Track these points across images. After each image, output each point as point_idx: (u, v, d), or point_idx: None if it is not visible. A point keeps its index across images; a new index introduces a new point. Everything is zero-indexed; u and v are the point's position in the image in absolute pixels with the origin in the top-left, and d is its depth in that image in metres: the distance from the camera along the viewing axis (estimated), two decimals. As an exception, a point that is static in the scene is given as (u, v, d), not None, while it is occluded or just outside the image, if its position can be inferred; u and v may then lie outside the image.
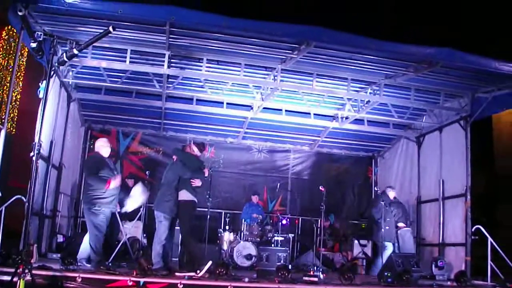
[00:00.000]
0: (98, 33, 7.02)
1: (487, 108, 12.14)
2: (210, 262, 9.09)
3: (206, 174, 10.09)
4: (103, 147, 9.44)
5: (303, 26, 9.60)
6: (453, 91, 12.39)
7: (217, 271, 8.84)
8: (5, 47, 22.67)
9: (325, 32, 9.58)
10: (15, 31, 20.72)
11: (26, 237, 6.54)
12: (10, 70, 22.09)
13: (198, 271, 8.91)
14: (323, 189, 12.10)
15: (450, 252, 12.51)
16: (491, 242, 10.88)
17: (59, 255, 9.83)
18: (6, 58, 22.71)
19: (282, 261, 10.93)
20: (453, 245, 12.42)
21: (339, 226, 14.68)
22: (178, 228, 10.45)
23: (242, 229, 13.21)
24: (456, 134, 12.76)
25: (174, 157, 10.18)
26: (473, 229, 11.61)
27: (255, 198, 14.36)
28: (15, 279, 6.03)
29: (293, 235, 13.77)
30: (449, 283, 10.47)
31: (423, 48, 10.06)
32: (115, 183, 9.11)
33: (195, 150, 10.12)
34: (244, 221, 13.30)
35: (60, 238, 12.01)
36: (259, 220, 13.26)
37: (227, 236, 12.90)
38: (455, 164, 12.71)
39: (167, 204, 9.47)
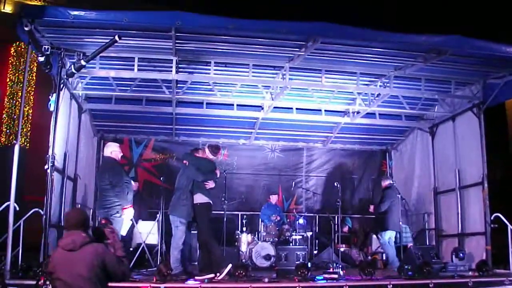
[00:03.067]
0: (104, 43, 7.03)
1: (499, 94, 11.98)
2: (230, 265, 9.10)
3: (218, 175, 10.08)
4: (115, 151, 9.41)
5: (308, 23, 9.59)
6: (464, 78, 12.30)
7: (237, 273, 8.84)
8: (14, 63, 22.89)
9: (331, 27, 9.55)
10: (23, 47, 20.91)
11: (46, 249, 6.55)
12: (21, 85, 22.30)
13: (218, 274, 8.92)
14: (338, 186, 12.08)
15: (470, 242, 12.39)
16: (511, 230, 10.80)
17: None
18: (16, 74, 22.93)
19: (301, 260, 10.90)
20: (473, 235, 12.28)
21: (358, 226, 14.62)
22: (195, 232, 10.47)
23: (260, 230, 13.22)
24: (469, 122, 12.64)
25: (185, 161, 10.19)
26: (492, 217, 11.52)
27: (273, 198, 14.32)
28: (36, 291, 6.06)
29: (311, 233, 13.73)
30: (470, 273, 10.38)
31: (431, 37, 9.96)
32: (135, 186, 9.19)
33: (207, 153, 10.12)
34: (262, 222, 13.30)
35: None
36: (276, 221, 13.25)
37: (245, 238, 12.90)
38: (470, 152, 12.59)
39: (183, 208, 9.50)
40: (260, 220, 13.59)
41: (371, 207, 13.46)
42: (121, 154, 9.68)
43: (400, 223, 12.39)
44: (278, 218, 13.46)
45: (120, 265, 5.38)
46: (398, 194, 12.62)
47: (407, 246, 12.23)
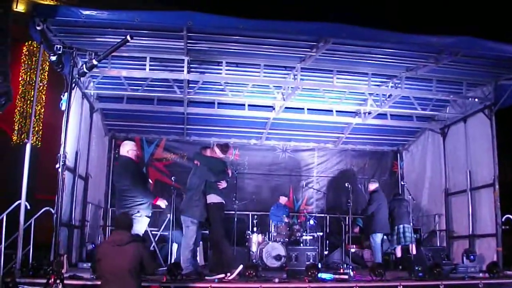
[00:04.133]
0: (116, 43, 7.06)
1: (511, 96, 11.92)
2: (241, 266, 9.11)
3: (230, 175, 10.06)
4: (132, 150, 9.38)
5: (320, 23, 9.60)
6: (475, 80, 12.25)
7: (247, 273, 8.85)
8: (26, 62, 23.01)
9: (343, 28, 9.57)
10: (35, 46, 21.03)
11: (56, 247, 6.58)
12: (33, 84, 22.41)
13: (228, 274, 8.93)
14: (349, 186, 12.07)
15: (481, 244, 12.32)
16: (522, 231, 10.77)
17: (89, 264, 9.91)
18: (29, 73, 23.05)
19: (311, 260, 10.88)
20: (484, 236, 12.22)
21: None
22: (206, 232, 10.49)
23: (270, 230, 13.22)
24: (481, 124, 12.58)
25: (196, 162, 10.17)
26: (503, 219, 11.47)
27: (282, 200, 14.30)
28: (47, 289, 6.11)
29: (321, 233, 13.70)
30: (481, 274, 10.33)
31: (443, 38, 9.95)
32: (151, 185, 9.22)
33: (217, 152, 10.11)
34: (272, 222, 13.31)
35: (90, 246, 12.08)
36: (286, 222, 13.26)
37: (256, 238, 12.90)
38: (481, 154, 12.53)
39: (196, 209, 9.47)
40: (270, 220, 13.58)
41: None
42: (137, 152, 9.67)
43: (402, 225, 12.40)
44: (289, 220, 13.50)
45: (152, 262, 6.73)
46: (403, 197, 12.72)
47: (409, 246, 12.22)
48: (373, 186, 13.14)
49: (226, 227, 11.04)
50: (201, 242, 9.98)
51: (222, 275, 8.96)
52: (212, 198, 9.66)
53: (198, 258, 10.27)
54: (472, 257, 11.28)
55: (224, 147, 10.27)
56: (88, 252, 11.89)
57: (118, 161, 9.40)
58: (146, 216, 9.10)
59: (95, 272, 6.63)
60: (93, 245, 12.08)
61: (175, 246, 11.04)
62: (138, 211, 8.82)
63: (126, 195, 8.93)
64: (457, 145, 13.71)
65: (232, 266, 9.22)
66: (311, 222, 13.47)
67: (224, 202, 9.88)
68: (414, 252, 12.02)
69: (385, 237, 12.65)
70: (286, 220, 13.46)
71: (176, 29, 9.59)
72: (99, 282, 7.37)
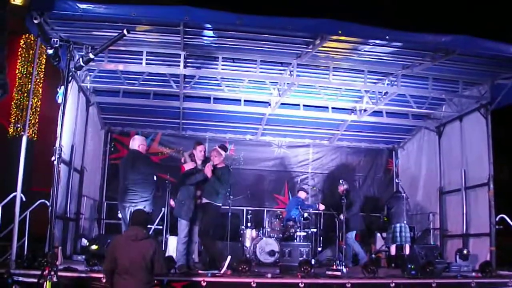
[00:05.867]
0: (113, 37, 7.07)
1: (508, 95, 11.91)
2: (229, 257, 9.14)
3: (209, 175, 9.64)
4: (142, 145, 9.34)
5: (316, 20, 9.59)
6: (472, 78, 12.26)
7: (240, 268, 8.89)
8: (23, 55, 22.97)
9: (339, 25, 9.56)
10: (32, 39, 21.01)
11: (51, 240, 6.61)
12: (30, 77, 22.37)
13: (220, 269, 8.98)
14: (345, 183, 12.10)
15: (475, 243, 12.38)
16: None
17: (84, 256, 9.95)
18: (25, 66, 23.01)
19: (304, 256, 10.92)
20: (478, 236, 12.27)
21: (366, 220, 14.61)
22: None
23: (264, 226, 13.25)
24: (477, 123, 12.60)
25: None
26: (497, 219, 11.51)
27: (302, 194, 14.32)
28: (41, 281, 6.14)
29: (315, 230, 13.75)
30: (473, 274, 10.39)
31: (439, 36, 9.94)
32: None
33: (222, 154, 10.02)
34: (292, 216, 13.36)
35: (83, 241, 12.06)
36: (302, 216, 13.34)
37: (250, 233, 12.96)
38: (477, 153, 12.57)
39: (180, 208, 9.45)
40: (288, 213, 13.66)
41: (321, 206, 14.07)
42: (146, 147, 9.65)
43: (398, 224, 12.50)
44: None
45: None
46: (402, 195, 12.79)
47: (403, 245, 12.28)
48: (340, 187, 13.06)
49: (220, 222, 11.10)
50: (197, 239, 9.94)
51: (216, 271, 9.00)
52: (213, 200, 9.65)
53: (194, 254, 10.27)
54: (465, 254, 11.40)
55: (225, 147, 10.30)
56: (82, 245, 11.90)
57: (128, 155, 9.33)
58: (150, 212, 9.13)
59: (105, 266, 6.55)
60: (86, 239, 12.04)
61: (171, 239, 11.03)
62: (145, 207, 8.78)
63: (132, 189, 8.84)
64: (453, 144, 13.75)
65: (220, 260, 9.25)
66: (306, 218, 13.51)
67: (220, 205, 9.89)
68: (408, 252, 12.09)
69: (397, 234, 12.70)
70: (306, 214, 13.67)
71: (173, 24, 9.60)
72: (93, 274, 7.51)
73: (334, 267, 10.23)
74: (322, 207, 13.89)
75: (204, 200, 9.64)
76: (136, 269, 6.33)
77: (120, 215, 9.26)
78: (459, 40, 9.98)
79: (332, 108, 13.90)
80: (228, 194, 11.93)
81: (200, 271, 9.03)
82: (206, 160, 9.74)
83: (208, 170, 9.40)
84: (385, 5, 23.87)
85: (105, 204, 14.46)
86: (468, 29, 10.63)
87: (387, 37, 9.86)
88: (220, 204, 9.90)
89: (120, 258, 6.38)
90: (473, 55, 10.68)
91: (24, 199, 8.70)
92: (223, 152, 10.05)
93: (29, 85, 22.02)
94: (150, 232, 11.63)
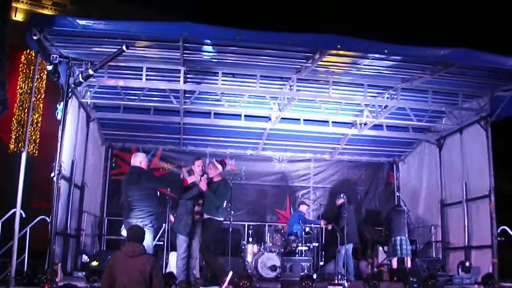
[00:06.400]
0: (112, 53, 7.09)
1: (507, 107, 11.88)
2: (231, 273, 9.11)
3: (204, 188, 9.56)
4: (144, 161, 9.33)
5: (315, 35, 9.61)
6: (471, 91, 12.25)
7: (241, 283, 8.85)
8: (24, 71, 23.06)
9: (338, 39, 9.58)
10: (33, 55, 21.10)
11: (51, 256, 6.59)
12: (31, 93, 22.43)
13: (222, 285, 8.94)
14: (344, 197, 12.08)
15: (477, 255, 12.34)
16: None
17: (84, 273, 9.91)
18: (26, 82, 23.09)
19: (306, 271, 10.88)
20: (480, 248, 12.23)
21: (368, 233, 14.57)
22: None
23: (266, 240, 13.21)
24: (477, 135, 12.60)
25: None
26: (499, 230, 11.48)
27: (303, 207, 14.32)
28: (40, 298, 6.12)
29: (317, 244, 13.71)
30: (476, 286, 10.34)
31: (437, 50, 9.94)
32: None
33: (219, 168, 9.98)
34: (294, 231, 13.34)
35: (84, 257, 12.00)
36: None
37: (251, 248, 12.92)
38: (477, 165, 12.55)
39: (178, 223, 9.44)
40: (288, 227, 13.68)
41: (322, 222, 13.86)
42: (148, 164, 9.65)
43: (399, 237, 12.46)
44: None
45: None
46: (402, 208, 12.76)
47: (404, 259, 12.25)
48: (339, 201, 13.26)
49: (221, 237, 11.06)
50: (197, 255, 9.89)
51: (217, 287, 8.97)
52: (213, 215, 9.62)
53: (195, 270, 10.22)
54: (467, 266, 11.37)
55: (223, 162, 10.27)
56: (82, 262, 11.85)
57: (130, 172, 9.29)
58: (155, 227, 9.10)
59: (103, 283, 6.46)
60: (86, 256, 12.00)
61: (171, 255, 10.99)
62: (151, 222, 8.76)
63: (139, 204, 8.76)
64: (453, 156, 13.74)
65: (222, 276, 9.21)
66: (307, 232, 13.48)
67: (222, 220, 9.85)
68: (410, 265, 12.04)
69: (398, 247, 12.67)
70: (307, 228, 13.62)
71: (173, 40, 9.62)
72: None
73: (336, 281, 10.20)
74: (323, 222, 13.82)
75: (205, 216, 9.60)
76: (134, 285, 6.29)
77: (124, 232, 9.24)
78: (458, 53, 9.97)
79: (333, 122, 13.89)
80: (228, 208, 11.91)
81: (201, 287, 8.98)
82: (204, 174, 9.72)
83: (203, 184, 9.34)
84: (383, 19, 23.97)
85: (106, 220, 14.41)
86: (467, 42, 10.63)
87: (385, 51, 9.89)
88: (222, 219, 9.82)
89: (118, 274, 6.33)
90: (472, 68, 10.68)
91: (24, 215, 8.68)
92: (219, 166, 9.96)
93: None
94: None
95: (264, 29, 9.52)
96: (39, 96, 22.54)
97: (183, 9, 25.45)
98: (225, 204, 10.03)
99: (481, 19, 22.56)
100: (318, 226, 14.34)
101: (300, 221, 13.48)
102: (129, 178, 9.10)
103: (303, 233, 13.17)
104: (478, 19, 22.65)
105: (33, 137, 22.16)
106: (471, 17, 22.89)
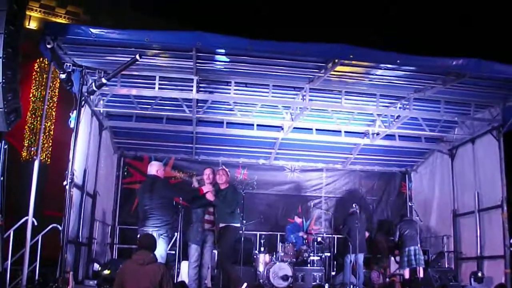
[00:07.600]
0: (125, 62, 7.13)
1: (520, 117, 11.89)
2: (245, 284, 9.08)
3: (211, 199, 9.46)
4: (161, 170, 9.34)
5: (328, 45, 9.62)
6: (483, 101, 12.21)
7: (253, 293, 8.83)
8: (37, 79, 23.22)
9: (350, 49, 9.59)
10: (46, 63, 21.25)
11: (63, 264, 6.61)
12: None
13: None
14: (357, 207, 12.04)
15: (489, 265, 12.26)
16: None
17: (95, 281, 9.93)
18: (39, 90, 23.25)
19: (317, 281, 10.85)
20: (492, 258, 12.15)
21: (384, 239, 14.48)
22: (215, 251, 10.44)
23: (278, 250, 13.19)
24: (489, 145, 12.56)
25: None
26: (511, 240, 11.40)
27: (297, 219, 14.40)
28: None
29: (329, 254, 13.66)
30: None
31: (450, 60, 9.93)
32: None
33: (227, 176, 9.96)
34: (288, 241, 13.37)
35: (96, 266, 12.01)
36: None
37: (263, 258, 12.88)
38: (490, 175, 12.50)
39: (189, 231, 9.44)
40: (286, 239, 13.68)
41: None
42: (163, 172, 9.65)
43: (412, 247, 12.41)
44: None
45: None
46: (411, 218, 12.67)
47: (416, 268, 12.17)
48: (351, 210, 13.21)
49: (234, 247, 11.04)
50: (209, 264, 9.86)
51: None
52: (229, 222, 9.60)
53: (206, 280, 10.19)
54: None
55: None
56: (94, 270, 11.88)
57: (147, 181, 9.29)
58: (170, 236, 9.09)
59: None
60: (98, 264, 12.03)
61: (183, 264, 10.99)
62: (166, 231, 8.76)
63: (154, 213, 8.75)
64: (466, 166, 13.68)
65: (236, 286, 9.19)
66: (319, 242, 13.46)
67: (238, 226, 9.84)
68: (422, 275, 11.97)
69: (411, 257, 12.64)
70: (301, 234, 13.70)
71: (186, 49, 9.67)
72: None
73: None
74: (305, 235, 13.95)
75: (221, 225, 9.59)
76: None
77: None
78: (470, 63, 9.94)
79: (345, 132, 13.88)
80: (240, 217, 11.90)
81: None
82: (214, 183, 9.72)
83: (209, 195, 9.31)
84: (396, 28, 23.92)
85: (117, 228, 14.47)
86: (479, 52, 10.58)
87: (398, 61, 9.89)
88: (238, 225, 9.81)
89: (128, 282, 6.39)
90: (484, 78, 10.63)
91: (36, 223, 8.70)
92: (226, 173, 9.97)
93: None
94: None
95: (270, 33, 9.52)
96: (51, 104, 22.70)
97: (189, 13, 25.44)
98: (238, 209, 9.98)
99: (492, 29, 22.43)
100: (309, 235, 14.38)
101: (296, 232, 13.64)
102: (144, 186, 9.10)
103: (303, 241, 13.21)
104: (489, 29, 22.52)
105: (46, 145, 22.30)
106: (483, 27, 22.77)
